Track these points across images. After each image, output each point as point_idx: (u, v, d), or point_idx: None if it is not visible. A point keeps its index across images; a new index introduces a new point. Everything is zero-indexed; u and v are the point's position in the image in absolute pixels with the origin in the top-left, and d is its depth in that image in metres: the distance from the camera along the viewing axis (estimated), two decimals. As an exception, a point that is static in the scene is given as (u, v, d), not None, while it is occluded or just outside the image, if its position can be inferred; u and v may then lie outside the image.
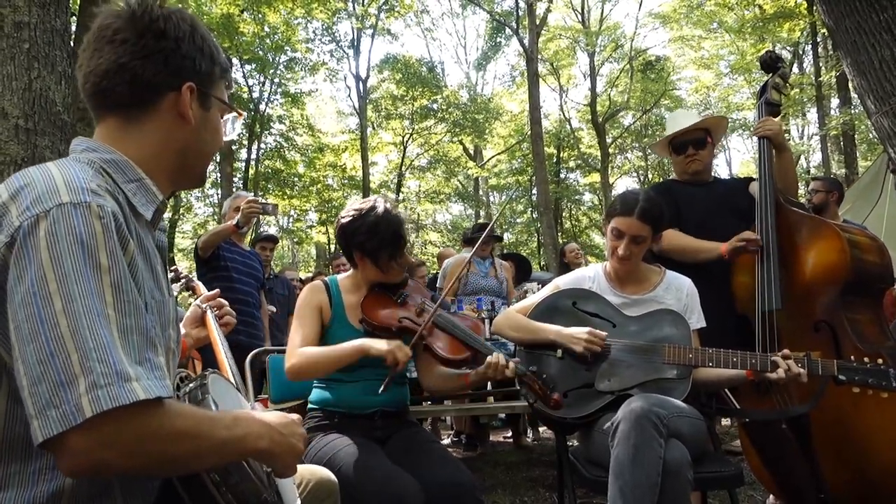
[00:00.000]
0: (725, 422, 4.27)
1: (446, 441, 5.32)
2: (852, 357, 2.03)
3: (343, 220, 2.12)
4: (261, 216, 4.01)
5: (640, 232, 2.16)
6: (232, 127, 1.18)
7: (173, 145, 1.06)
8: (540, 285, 5.80)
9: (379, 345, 1.89)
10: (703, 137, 2.88)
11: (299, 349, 1.97)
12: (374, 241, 2.04)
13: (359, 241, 2.07)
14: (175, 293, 2.15)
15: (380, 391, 1.92)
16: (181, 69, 1.04)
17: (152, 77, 1.02)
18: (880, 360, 1.96)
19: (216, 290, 1.72)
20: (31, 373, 0.76)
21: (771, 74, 2.82)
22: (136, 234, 0.95)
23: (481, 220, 20.69)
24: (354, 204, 2.15)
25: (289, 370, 1.96)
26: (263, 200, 3.94)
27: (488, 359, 1.93)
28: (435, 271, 6.52)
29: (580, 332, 2.09)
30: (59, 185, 0.86)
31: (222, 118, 1.15)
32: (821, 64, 15.14)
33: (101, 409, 0.74)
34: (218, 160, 15.40)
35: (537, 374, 1.95)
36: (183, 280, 2.19)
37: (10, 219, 0.84)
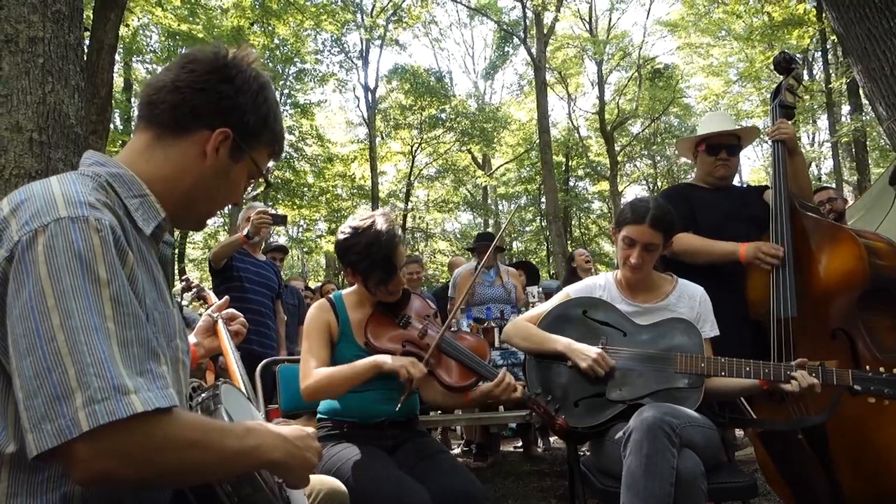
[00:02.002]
0: (738, 432, 4.23)
1: (456, 450, 5.30)
2: (868, 367, 2.00)
3: (340, 236, 2.10)
4: (272, 226, 4.04)
5: (653, 240, 2.15)
6: (251, 190, 1.19)
7: (187, 178, 1.07)
8: (540, 289, 5.81)
9: (393, 361, 1.89)
10: (737, 145, 2.88)
11: (314, 370, 1.97)
12: (366, 262, 2.02)
13: (351, 260, 2.06)
14: (187, 302, 2.16)
15: (397, 408, 1.92)
16: (227, 114, 1.06)
17: (195, 107, 1.04)
18: (896, 370, 1.93)
19: (226, 298, 1.73)
20: (28, 386, 0.77)
21: (784, 76, 2.79)
22: (137, 247, 0.96)
23: (489, 230, 20.71)
24: (354, 219, 2.11)
25: (305, 391, 1.95)
26: (273, 211, 3.97)
27: (497, 378, 1.93)
28: (445, 280, 6.54)
29: (590, 349, 2.08)
30: (58, 199, 0.87)
31: (249, 180, 1.16)
32: (831, 70, 15.07)
33: (98, 423, 0.75)
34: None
35: (543, 397, 1.94)
36: (194, 289, 2.20)
37: (10, 233, 0.85)
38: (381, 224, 2.03)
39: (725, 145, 2.85)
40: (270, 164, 1.19)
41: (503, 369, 1.98)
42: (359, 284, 2.12)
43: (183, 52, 1.36)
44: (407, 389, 1.89)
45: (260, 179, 1.19)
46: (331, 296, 2.20)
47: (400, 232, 2.10)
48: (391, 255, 2.02)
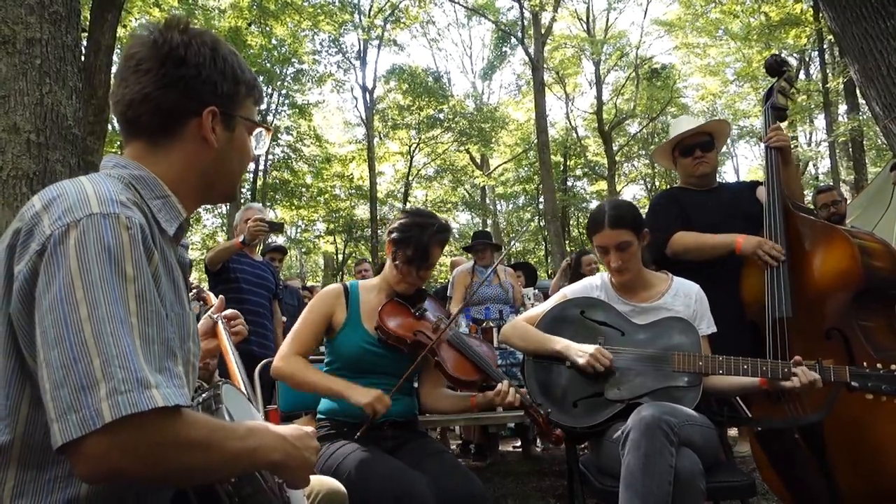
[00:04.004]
0: (731, 432, 4.24)
1: (455, 451, 5.30)
2: (865, 364, 2.01)
3: (404, 210, 2.23)
4: (268, 234, 4.05)
5: (620, 238, 2.17)
6: (261, 142, 1.20)
7: (197, 168, 1.08)
8: (537, 291, 5.80)
9: (359, 395, 1.91)
10: (709, 140, 2.91)
11: (293, 356, 2.05)
12: (404, 235, 2.09)
13: (394, 228, 2.13)
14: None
15: (356, 436, 1.94)
16: (202, 95, 1.06)
17: (173, 104, 1.04)
18: (894, 367, 1.94)
19: (221, 298, 1.74)
20: (55, 377, 0.78)
21: (776, 78, 2.80)
22: (161, 248, 0.97)
23: (486, 229, 20.72)
24: (426, 210, 2.23)
25: (276, 369, 2.04)
26: (270, 219, 3.98)
27: (499, 386, 1.97)
28: (443, 279, 6.56)
29: (588, 347, 2.09)
30: (91, 196, 0.89)
31: (251, 135, 1.17)
32: (828, 70, 15.10)
33: (121, 414, 0.76)
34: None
35: (543, 408, 1.97)
36: (194, 290, 2.20)
37: (42, 228, 0.86)
38: (438, 220, 2.14)
39: (697, 144, 2.88)
40: (256, 109, 1.19)
41: (505, 380, 2.02)
42: (388, 260, 2.18)
43: (123, 53, 1.32)
44: (369, 422, 1.92)
45: (262, 130, 1.19)
46: (346, 283, 2.24)
47: (447, 237, 2.18)
48: (429, 244, 2.09)
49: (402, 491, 1.66)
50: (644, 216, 2.33)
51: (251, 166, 18.67)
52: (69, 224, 0.84)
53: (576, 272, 5.83)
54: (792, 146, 2.81)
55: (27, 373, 0.87)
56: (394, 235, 2.12)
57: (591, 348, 2.07)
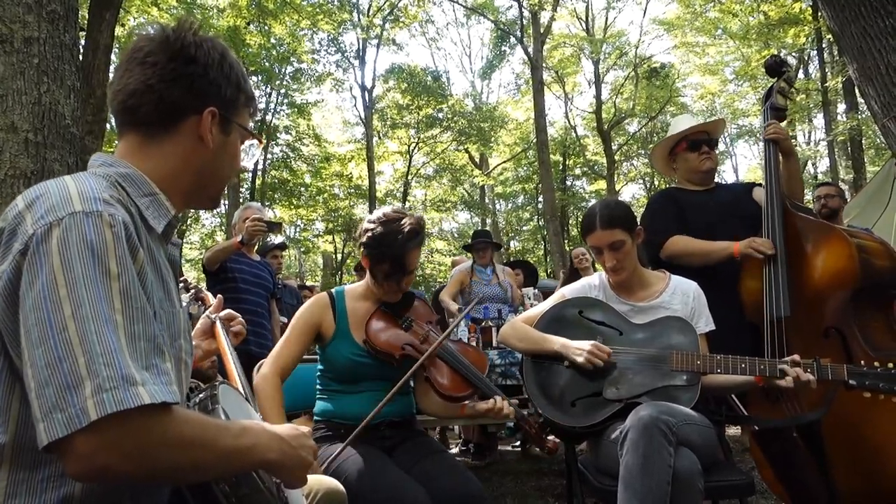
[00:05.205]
0: (732, 431, 4.23)
1: (454, 450, 5.30)
2: (863, 363, 2.01)
3: (367, 218, 2.13)
4: (266, 233, 4.05)
5: (613, 238, 2.17)
6: (251, 153, 1.21)
7: (190, 166, 1.09)
8: (537, 290, 5.80)
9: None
10: (713, 139, 2.95)
11: (273, 377, 1.98)
12: (376, 251, 2.05)
13: (365, 244, 2.08)
14: (185, 303, 2.16)
15: (347, 440, 1.82)
16: (206, 94, 1.07)
17: (177, 99, 1.05)
18: (891, 365, 1.94)
19: (220, 298, 1.73)
20: (39, 376, 0.77)
21: (776, 79, 2.82)
22: (147, 245, 0.97)
23: (485, 228, 20.72)
24: (388, 209, 2.12)
25: (258, 380, 1.97)
26: (268, 218, 3.98)
27: (490, 402, 1.96)
28: (443, 279, 6.57)
29: (584, 344, 2.09)
30: (73, 195, 0.88)
31: (242, 144, 1.18)
32: (827, 69, 15.11)
33: (106, 412, 0.75)
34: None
35: (535, 419, 1.96)
36: (192, 290, 2.20)
37: (25, 227, 0.86)
38: (406, 223, 2.04)
39: (704, 140, 2.92)
40: (251, 122, 1.21)
41: (497, 395, 2.00)
42: (368, 273, 2.13)
43: (129, 46, 1.34)
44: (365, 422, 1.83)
45: (255, 141, 1.21)
46: (332, 290, 2.20)
47: (422, 238, 2.09)
48: (403, 254, 2.03)
49: (402, 503, 1.66)
50: (641, 215, 2.33)
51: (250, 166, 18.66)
52: (51, 223, 0.84)
53: (571, 267, 5.87)
54: (791, 144, 2.81)
55: (16, 372, 0.87)
56: (366, 251, 2.07)
57: (587, 344, 2.07)
